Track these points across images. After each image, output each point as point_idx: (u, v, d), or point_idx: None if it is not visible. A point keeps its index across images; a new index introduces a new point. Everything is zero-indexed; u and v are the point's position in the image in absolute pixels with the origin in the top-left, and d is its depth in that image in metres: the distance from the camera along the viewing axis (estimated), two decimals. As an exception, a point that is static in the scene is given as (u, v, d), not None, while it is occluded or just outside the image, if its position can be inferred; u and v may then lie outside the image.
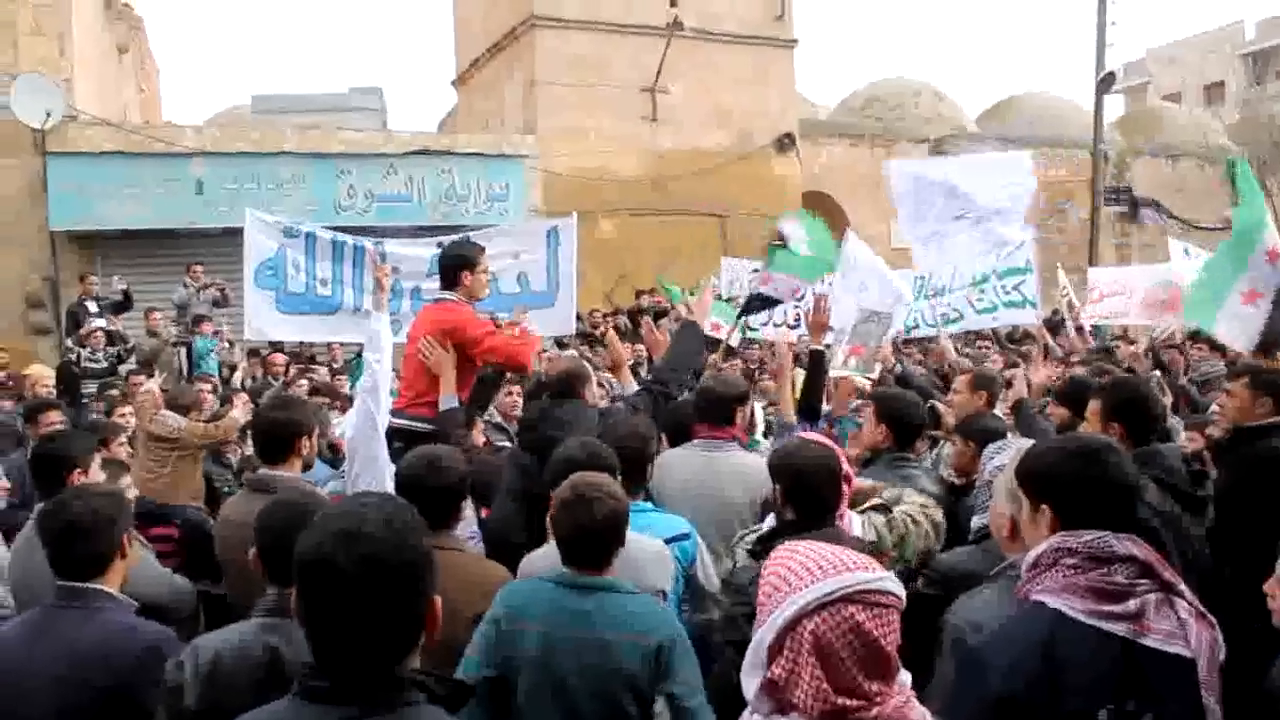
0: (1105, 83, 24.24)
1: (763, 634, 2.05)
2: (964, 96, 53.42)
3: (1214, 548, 4.11)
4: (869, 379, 7.21)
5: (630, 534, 3.29)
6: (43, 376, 9.67)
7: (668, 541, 3.87)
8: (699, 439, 4.84)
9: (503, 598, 3.16)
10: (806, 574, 2.04)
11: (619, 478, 3.61)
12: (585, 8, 18.75)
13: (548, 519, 3.24)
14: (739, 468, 4.70)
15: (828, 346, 6.74)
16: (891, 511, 3.81)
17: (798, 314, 11.71)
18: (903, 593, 2.11)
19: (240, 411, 7.34)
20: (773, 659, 2.01)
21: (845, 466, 3.63)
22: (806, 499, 3.42)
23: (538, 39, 18.62)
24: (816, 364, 5.96)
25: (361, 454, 4.72)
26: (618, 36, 18.93)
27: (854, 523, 3.68)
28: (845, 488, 3.64)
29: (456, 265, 5.68)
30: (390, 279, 6.04)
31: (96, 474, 4.39)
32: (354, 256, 10.75)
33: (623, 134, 18.86)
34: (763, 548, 3.25)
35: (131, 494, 4.71)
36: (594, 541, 3.12)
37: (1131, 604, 2.28)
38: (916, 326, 11.56)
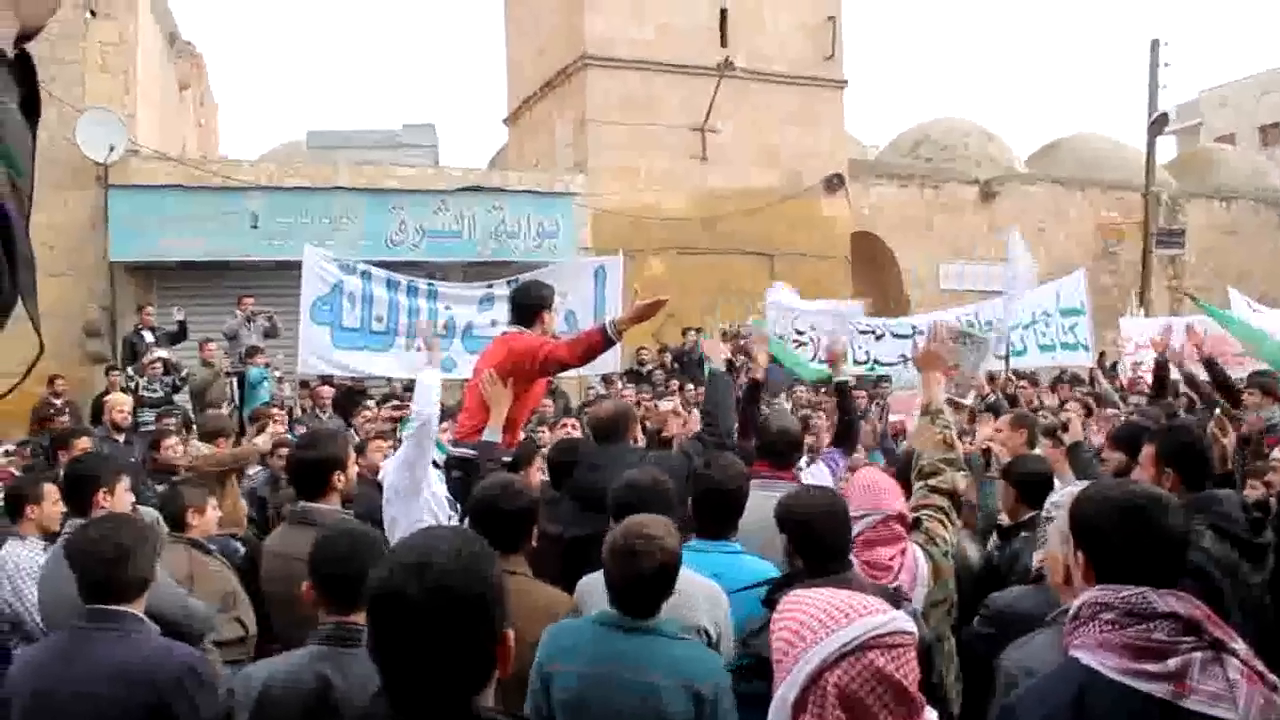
0: (1158, 124, 24.12)
1: (785, 690, 2.05)
2: (1014, 137, 53.40)
3: (1274, 597, 4.06)
4: (963, 402, 7.18)
5: (685, 571, 3.30)
6: (120, 404, 9.86)
7: (757, 585, 3.84)
8: (758, 479, 4.82)
9: (546, 639, 3.16)
10: (820, 626, 2.05)
11: (676, 512, 3.63)
12: (636, 47, 18.95)
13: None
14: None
15: (859, 378, 6.79)
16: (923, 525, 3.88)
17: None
18: (915, 629, 2.12)
19: (265, 438, 7.40)
20: (798, 715, 2.01)
21: (886, 505, 3.66)
22: (814, 548, 3.40)
23: (589, 78, 18.83)
24: (844, 396, 6.05)
25: (398, 505, 4.73)
26: (669, 76, 19.11)
27: (917, 556, 3.72)
28: (894, 525, 3.67)
29: (536, 305, 5.84)
30: (438, 339, 6.18)
31: (124, 496, 4.49)
32: (408, 293, 10.93)
33: (672, 173, 18.99)
34: (771, 597, 3.23)
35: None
36: (644, 592, 3.11)
37: (1172, 663, 2.17)
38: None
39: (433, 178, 17.60)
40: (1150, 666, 2.18)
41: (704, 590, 3.67)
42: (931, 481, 4.21)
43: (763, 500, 4.76)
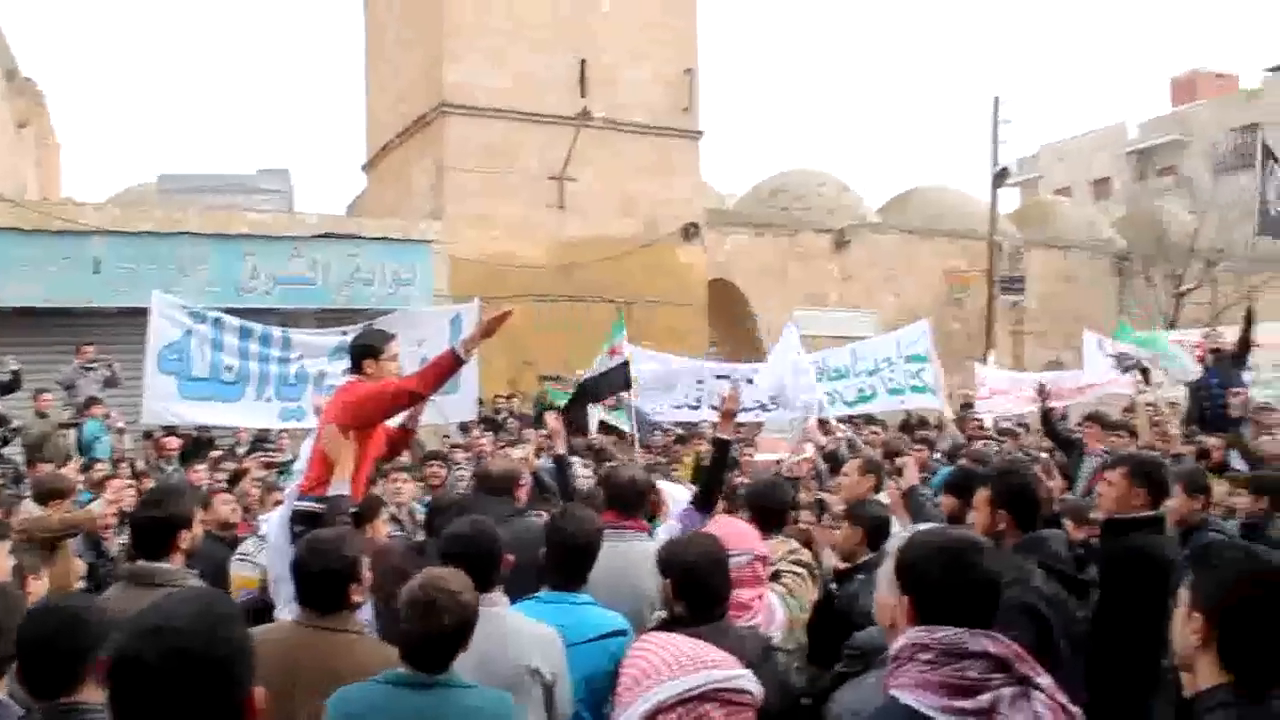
0: (999, 177, 25.25)
1: (619, 724, 2.09)
2: (866, 188, 55.17)
3: (1097, 630, 4.25)
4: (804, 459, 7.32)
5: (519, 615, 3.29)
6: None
7: (602, 638, 3.84)
8: (609, 528, 4.83)
9: (334, 703, 3.08)
10: (665, 669, 2.10)
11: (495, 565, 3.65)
12: (495, 96, 19.02)
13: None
14: (648, 556, 4.75)
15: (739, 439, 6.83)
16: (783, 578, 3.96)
17: (698, 397, 11.91)
18: (759, 690, 2.18)
19: (101, 503, 7.14)
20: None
21: (757, 548, 3.73)
22: (695, 593, 3.44)
23: (448, 125, 18.82)
24: (722, 453, 6.01)
25: (279, 563, 4.64)
26: (527, 124, 19.22)
27: (773, 603, 3.80)
28: (759, 566, 3.74)
29: (362, 353, 5.71)
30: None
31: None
32: (261, 341, 10.68)
33: (530, 221, 19.06)
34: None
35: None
36: (438, 647, 3.08)
37: (984, 699, 2.31)
38: (833, 404, 11.78)
39: (286, 223, 17.32)
40: (964, 703, 2.30)
41: (537, 633, 3.66)
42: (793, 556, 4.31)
43: (609, 550, 4.79)
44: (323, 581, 3.51)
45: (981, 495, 4.46)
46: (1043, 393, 9.92)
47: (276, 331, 11.08)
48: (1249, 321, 9.65)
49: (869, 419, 13.31)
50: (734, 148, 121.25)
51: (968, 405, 15.77)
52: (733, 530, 4.06)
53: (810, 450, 8.04)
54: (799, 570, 4.28)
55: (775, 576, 4.11)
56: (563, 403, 12.69)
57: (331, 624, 3.48)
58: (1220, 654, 2.26)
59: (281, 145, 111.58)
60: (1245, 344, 9.39)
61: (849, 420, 12.47)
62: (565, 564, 4.04)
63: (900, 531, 3.89)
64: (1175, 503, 5.22)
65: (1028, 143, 63.39)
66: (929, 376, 12.84)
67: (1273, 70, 47.65)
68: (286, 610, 4.45)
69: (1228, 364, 9.16)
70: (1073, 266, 27.69)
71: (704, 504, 5.76)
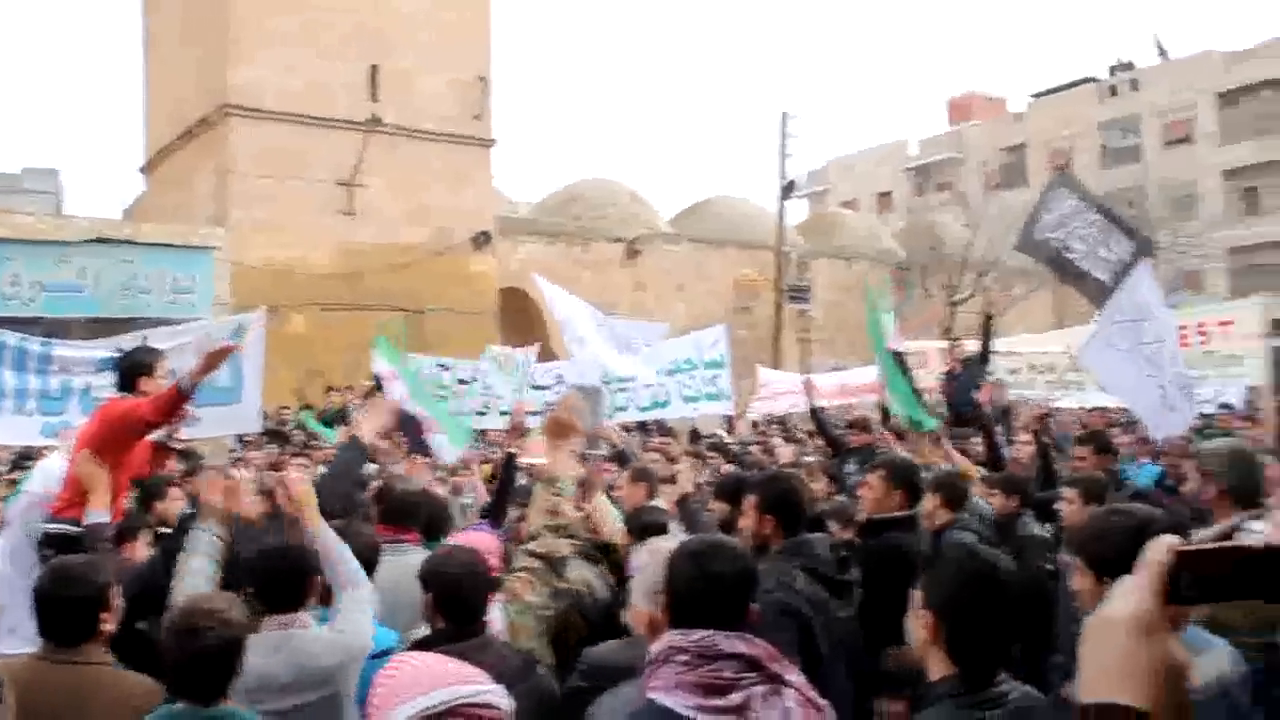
0: (787, 190, 26.10)
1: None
2: (659, 199, 56.18)
3: (862, 627, 4.43)
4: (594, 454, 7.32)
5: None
6: None
7: (374, 657, 3.69)
8: (385, 542, 4.73)
9: None
10: (415, 685, 2.14)
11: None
12: (283, 99, 18.56)
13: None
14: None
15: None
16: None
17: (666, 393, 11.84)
18: (509, 705, 2.24)
19: None
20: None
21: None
22: (455, 607, 3.44)
23: (232, 128, 18.28)
24: (510, 468, 6.01)
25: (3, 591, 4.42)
26: (316, 129, 18.82)
27: (495, 614, 3.83)
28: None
29: (134, 371, 5.54)
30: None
31: None
32: (16, 356, 10.10)
33: (318, 227, 18.67)
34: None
35: None
36: (204, 672, 2.94)
37: (735, 697, 2.40)
38: (625, 409, 11.82)
39: (54, 227, 16.46)
40: (717, 701, 2.40)
41: (341, 651, 3.60)
42: (529, 546, 4.35)
43: (387, 563, 4.75)
44: (69, 610, 3.28)
45: (749, 501, 4.50)
46: (809, 389, 10.25)
47: (35, 343, 10.51)
48: (988, 329, 10.29)
49: (661, 427, 13.44)
50: (527, 156, 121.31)
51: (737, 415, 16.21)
52: (466, 541, 4.09)
53: (605, 450, 8.12)
54: (528, 567, 4.27)
55: (497, 584, 4.10)
56: (317, 429, 12.40)
57: (78, 657, 3.26)
58: (947, 648, 2.41)
59: (51, 143, 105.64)
60: (986, 349, 10.00)
61: (640, 427, 12.60)
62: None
63: (657, 541, 3.97)
64: (928, 505, 5.50)
65: (817, 156, 65.68)
66: (724, 383, 13.07)
67: (1037, 96, 50.80)
68: (7, 642, 4.26)
69: (974, 368, 9.75)
70: (856, 276, 28.81)
71: (494, 517, 5.78)
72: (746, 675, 2.45)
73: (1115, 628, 1.00)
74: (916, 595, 2.50)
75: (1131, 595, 1.01)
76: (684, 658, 2.47)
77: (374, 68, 19.47)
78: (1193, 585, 1.00)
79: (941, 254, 29.93)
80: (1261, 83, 42.46)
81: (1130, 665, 0.98)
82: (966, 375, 9.68)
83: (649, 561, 3.24)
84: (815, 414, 9.72)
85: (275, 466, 8.30)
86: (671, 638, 2.52)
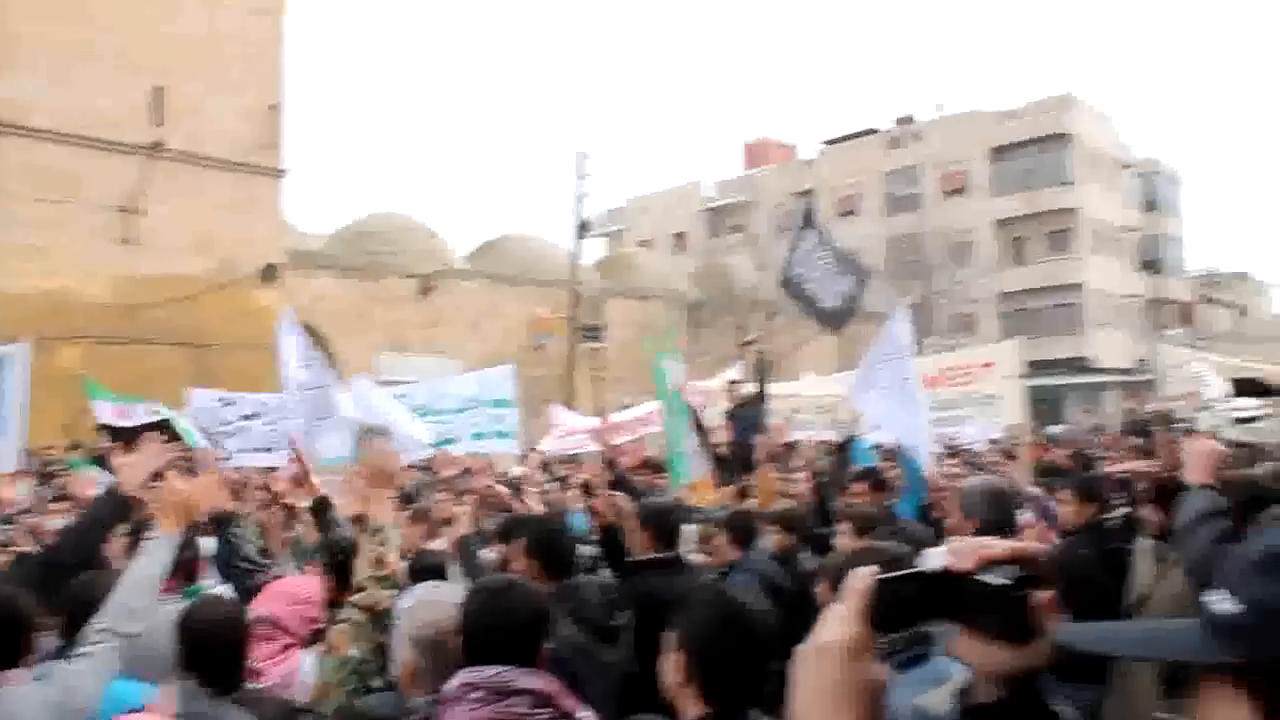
0: (582, 229, 26.39)
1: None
2: (454, 235, 55.70)
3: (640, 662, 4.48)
4: None
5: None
6: None
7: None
8: None
9: None
10: None
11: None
12: (57, 118, 17.67)
13: None
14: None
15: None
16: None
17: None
18: None
19: None
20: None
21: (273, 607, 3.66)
22: (206, 662, 3.31)
23: (0, 147, 17.28)
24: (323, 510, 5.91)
25: None
26: (93, 152, 17.99)
27: (305, 663, 3.75)
28: (272, 628, 3.67)
29: None
30: None
31: None
32: None
33: (93, 256, 17.82)
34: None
35: None
36: None
37: None
38: (453, 441, 11.68)
39: None
40: None
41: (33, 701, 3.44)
42: (354, 598, 4.26)
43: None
44: None
45: (516, 544, 4.55)
46: (601, 435, 10.35)
47: None
48: (764, 369, 10.66)
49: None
50: (320, 188, 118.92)
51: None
52: (290, 587, 4.00)
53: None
54: (350, 620, 4.18)
55: (319, 636, 4.06)
56: (85, 470, 11.82)
57: None
58: (700, 688, 2.46)
59: None
60: (762, 390, 10.33)
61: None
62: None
63: (420, 588, 3.94)
64: (718, 541, 5.68)
65: (615, 196, 66.60)
66: (511, 423, 13.07)
67: (827, 143, 52.90)
68: None
69: (752, 409, 10.05)
70: (650, 315, 29.28)
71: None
72: (540, 711, 2.54)
73: (827, 653, 1.07)
74: (669, 637, 2.56)
75: (839, 622, 1.09)
76: (478, 694, 2.52)
77: (159, 89, 18.76)
78: (889, 610, 1.10)
79: (733, 295, 30.73)
80: (1027, 141, 45.44)
81: (841, 688, 1.06)
82: (746, 415, 9.97)
83: (411, 607, 3.23)
84: (610, 463, 9.77)
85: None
86: (465, 675, 2.57)
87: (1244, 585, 0.93)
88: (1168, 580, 4.40)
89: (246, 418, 11.71)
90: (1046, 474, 8.22)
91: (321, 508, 5.89)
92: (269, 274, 19.92)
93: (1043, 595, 1.09)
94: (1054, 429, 15.74)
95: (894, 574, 1.12)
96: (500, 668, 2.56)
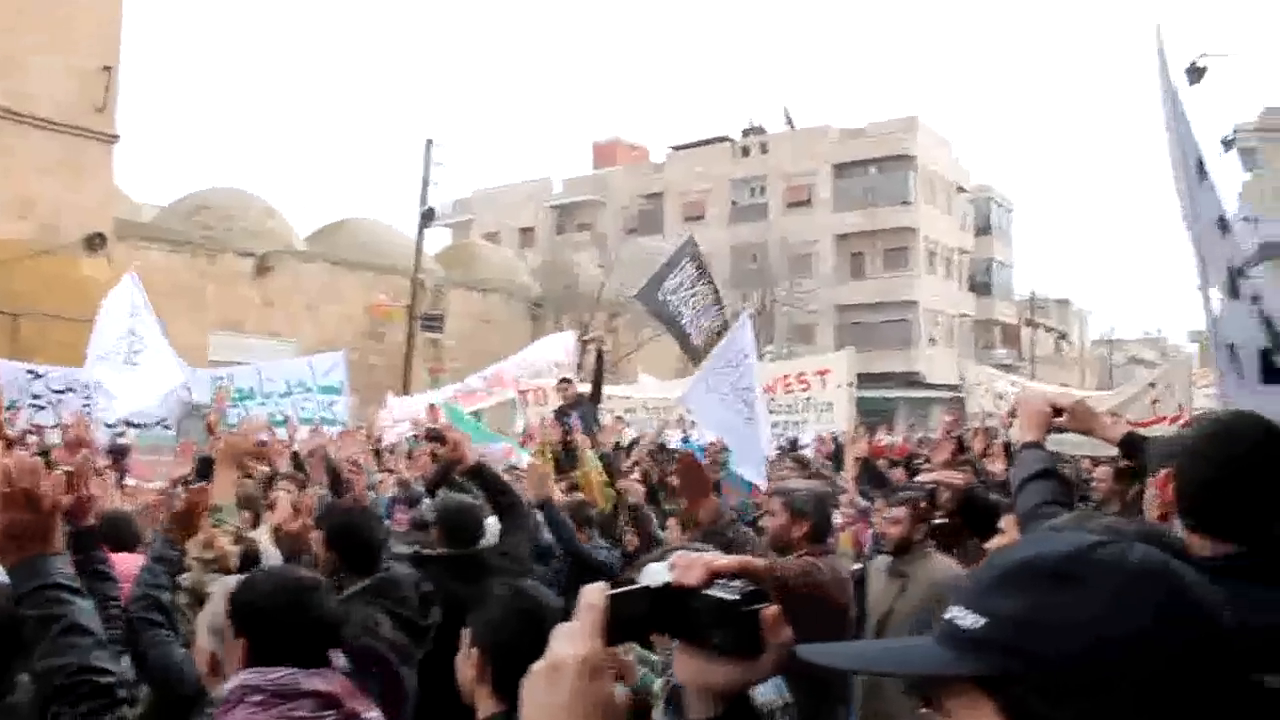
0: (427, 218, 26.02)
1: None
2: (295, 215, 54.26)
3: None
4: None
5: None
6: None
7: None
8: None
9: None
10: None
11: None
12: None
13: None
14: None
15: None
16: None
17: None
18: None
19: None
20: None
21: None
22: None
23: None
24: None
25: None
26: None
27: None
28: None
29: None
30: None
31: None
32: None
33: (-101, 213, 16.76)
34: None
35: None
36: None
37: None
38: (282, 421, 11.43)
39: None
40: None
41: None
42: (180, 578, 4.06)
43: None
44: None
45: (316, 535, 4.41)
46: (434, 411, 10.28)
47: None
48: (600, 368, 10.72)
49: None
50: (156, 157, 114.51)
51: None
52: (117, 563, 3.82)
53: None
54: (181, 601, 4.00)
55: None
56: None
57: None
58: (494, 686, 2.45)
59: None
60: (598, 386, 10.39)
61: None
62: None
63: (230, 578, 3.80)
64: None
65: (463, 186, 65.82)
66: (340, 410, 12.86)
67: (676, 148, 53.46)
68: None
69: (587, 406, 10.11)
70: (491, 308, 29.10)
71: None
72: (325, 713, 2.40)
73: (563, 671, 1.05)
74: (465, 634, 2.53)
75: (575, 639, 1.07)
76: (258, 697, 2.38)
77: (-19, 43, 17.75)
78: (620, 626, 1.08)
79: (576, 293, 30.76)
80: (869, 160, 46.82)
81: (580, 707, 1.04)
82: (579, 413, 10.01)
83: (214, 595, 3.14)
84: (430, 435, 9.61)
85: None
86: (246, 677, 2.43)
87: (983, 600, 0.95)
88: (906, 596, 4.53)
89: (59, 392, 11.22)
90: (873, 479, 8.47)
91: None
92: (94, 243, 18.98)
93: (769, 610, 1.08)
94: (885, 438, 16.24)
95: (622, 590, 1.10)
96: (286, 669, 2.42)
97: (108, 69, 19.54)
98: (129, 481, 9.83)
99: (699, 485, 3.84)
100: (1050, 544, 0.97)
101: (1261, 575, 1.90)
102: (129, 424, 10.91)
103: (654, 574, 1.12)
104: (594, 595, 1.09)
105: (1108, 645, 0.87)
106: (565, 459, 8.34)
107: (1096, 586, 0.90)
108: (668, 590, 1.10)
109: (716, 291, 10.77)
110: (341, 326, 23.93)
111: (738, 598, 1.07)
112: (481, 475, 5.33)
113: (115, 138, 19.81)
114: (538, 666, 1.07)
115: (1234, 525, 2.02)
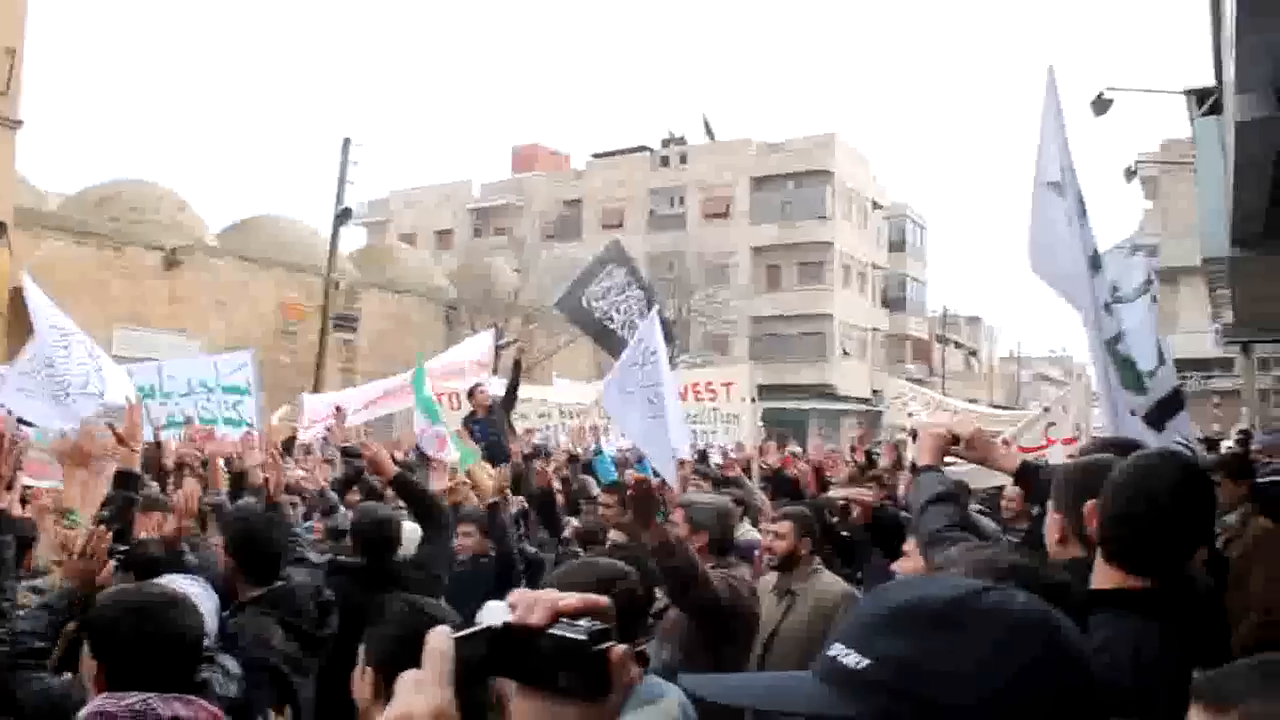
0: (342, 217, 25.64)
1: None
2: (207, 209, 53.07)
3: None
4: None
5: None
6: None
7: None
8: None
9: None
10: None
11: None
12: None
13: None
14: None
15: None
16: None
17: None
18: None
19: None
20: None
21: None
22: None
23: None
24: None
25: None
26: None
27: None
28: None
29: None
30: None
31: None
32: None
33: None
34: None
35: None
36: None
37: None
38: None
39: None
40: None
41: None
42: (34, 581, 3.95)
43: None
44: None
45: (218, 542, 4.30)
46: (339, 415, 10.12)
47: None
48: (517, 374, 10.64)
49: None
50: (62, 144, 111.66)
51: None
52: None
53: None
54: (24, 600, 3.88)
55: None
56: None
57: None
58: (389, 704, 2.38)
59: None
60: (513, 392, 10.30)
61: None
62: None
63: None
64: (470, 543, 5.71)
65: (380, 186, 65.13)
66: (247, 409, 12.59)
67: (597, 156, 53.52)
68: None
69: (498, 412, 10.03)
70: (406, 310, 28.82)
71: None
72: None
73: None
74: (361, 652, 2.46)
75: (424, 688, 1.01)
76: None
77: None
78: (466, 670, 1.03)
79: (492, 297, 30.59)
80: (787, 174, 47.32)
81: None
82: (491, 419, 9.93)
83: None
84: (346, 452, 9.47)
85: None
86: (100, 702, 2.36)
87: (868, 640, 0.95)
88: (793, 616, 4.51)
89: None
90: (786, 491, 8.54)
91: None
92: (-5, 232, 18.41)
93: (617, 650, 1.04)
94: (797, 449, 16.37)
95: (465, 632, 1.05)
96: (139, 694, 2.35)
97: (11, 51, 18.93)
98: (26, 480, 9.53)
99: (646, 512, 3.82)
100: (935, 587, 0.99)
101: (1165, 612, 1.97)
102: (23, 422, 10.58)
103: (494, 613, 1.07)
104: (439, 641, 1.03)
105: (989, 693, 0.90)
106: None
107: (979, 634, 0.92)
108: (508, 631, 1.05)
109: (652, 295, 10.74)
110: (252, 325, 23.50)
111: (585, 638, 1.02)
112: (404, 486, 5.29)
113: (19, 123, 19.22)
114: (387, 718, 1.00)
115: (1147, 561, 2.07)
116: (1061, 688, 0.92)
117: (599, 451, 9.88)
